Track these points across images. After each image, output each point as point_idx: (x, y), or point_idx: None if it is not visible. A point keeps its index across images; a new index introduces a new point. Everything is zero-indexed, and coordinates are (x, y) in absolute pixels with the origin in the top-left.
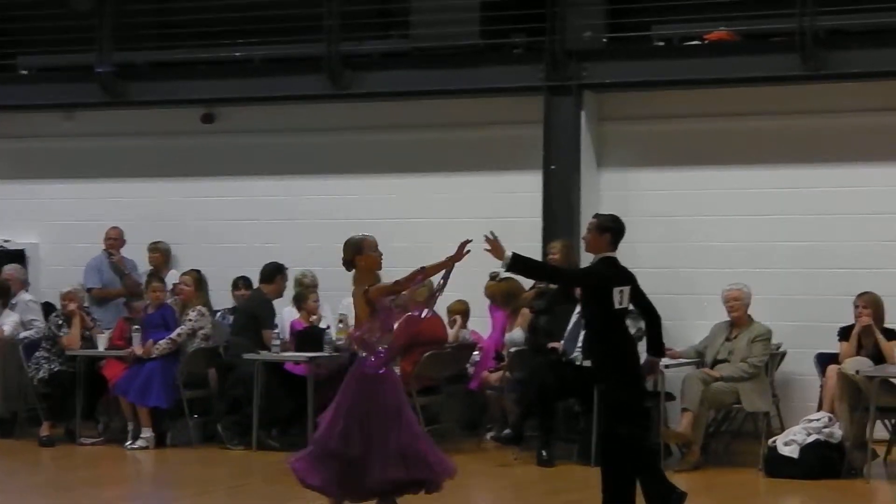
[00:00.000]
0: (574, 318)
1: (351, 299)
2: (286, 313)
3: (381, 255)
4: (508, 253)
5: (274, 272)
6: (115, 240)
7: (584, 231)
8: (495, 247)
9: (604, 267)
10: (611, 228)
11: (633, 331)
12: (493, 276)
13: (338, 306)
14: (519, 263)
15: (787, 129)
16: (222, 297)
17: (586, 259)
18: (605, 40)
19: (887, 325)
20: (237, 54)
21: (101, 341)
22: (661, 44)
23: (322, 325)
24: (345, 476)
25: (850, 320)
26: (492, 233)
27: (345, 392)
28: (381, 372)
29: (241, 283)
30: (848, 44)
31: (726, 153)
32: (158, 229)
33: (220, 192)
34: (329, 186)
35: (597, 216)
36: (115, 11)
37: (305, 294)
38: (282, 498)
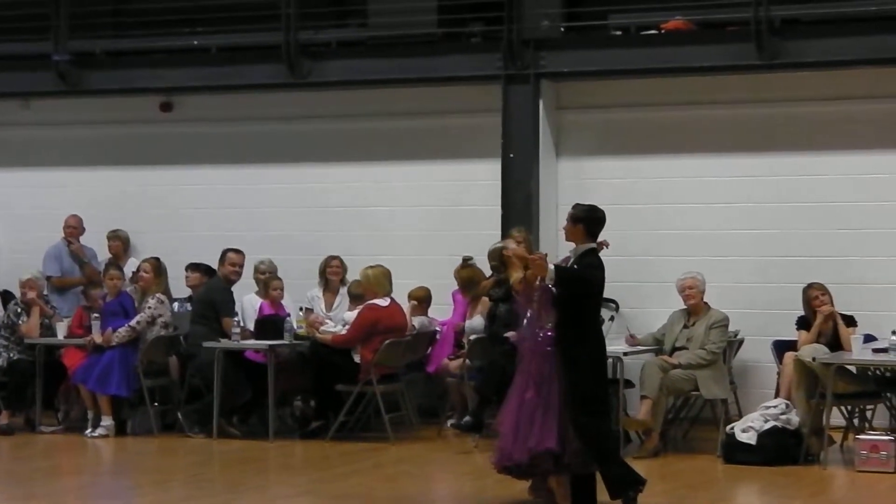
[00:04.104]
0: None
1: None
2: (247, 301)
3: None
4: (551, 267)
5: (224, 253)
6: (73, 228)
7: (542, 219)
8: (540, 265)
9: (593, 260)
10: (584, 219)
11: (605, 319)
12: (467, 260)
13: (302, 296)
14: (563, 277)
15: (743, 117)
16: (182, 285)
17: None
18: (562, 29)
19: (842, 311)
20: (195, 43)
21: (61, 329)
22: (618, 33)
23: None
24: None
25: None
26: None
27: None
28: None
29: (194, 268)
30: (803, 33)
31: (683, 142)
32: (117, 217)
33: (178, 181)
34: (287, 175)
35: (574, 206)
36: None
37: (267, 282)
38: (241, 485)
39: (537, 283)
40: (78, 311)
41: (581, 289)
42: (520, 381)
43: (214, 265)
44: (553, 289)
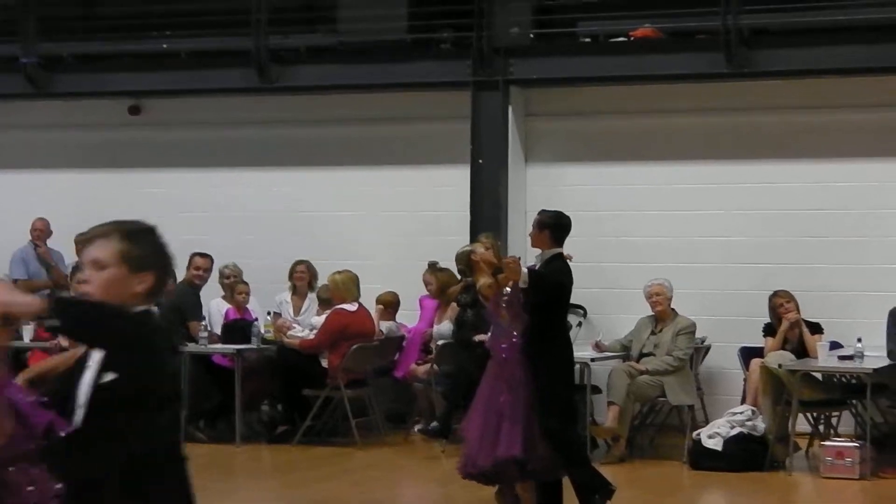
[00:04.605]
0: None
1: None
2: (213, 305)
3: None
4: (524, 270)
5: (191, 258)
6: (40, 231)
7: (511, 226)
8: (514, 269)
9: (559, 265)
10: (550, 225)
11: (573, 325)
12: (433, 265)
13: (270, 301)
14: (536, 280)
15: (711, 126)
16: None
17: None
18: (531, 36)
19: (809, 318)
20: (164, 46)
21: (27, 333)
22: (588, 40)
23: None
24: None
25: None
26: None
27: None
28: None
29: None
30: (771, 43)
31: (651, 149)
32: (85, 221)
33: (146, 185)
34: (256, 180)
35: (540, 212)
36: (40, 2)
37: (233, 286)
38: (208, 490)
39: (509, 287)
40: None
41: (553, 293)
42: (487, 387)
43: (181, 269)
44: (523, 294)
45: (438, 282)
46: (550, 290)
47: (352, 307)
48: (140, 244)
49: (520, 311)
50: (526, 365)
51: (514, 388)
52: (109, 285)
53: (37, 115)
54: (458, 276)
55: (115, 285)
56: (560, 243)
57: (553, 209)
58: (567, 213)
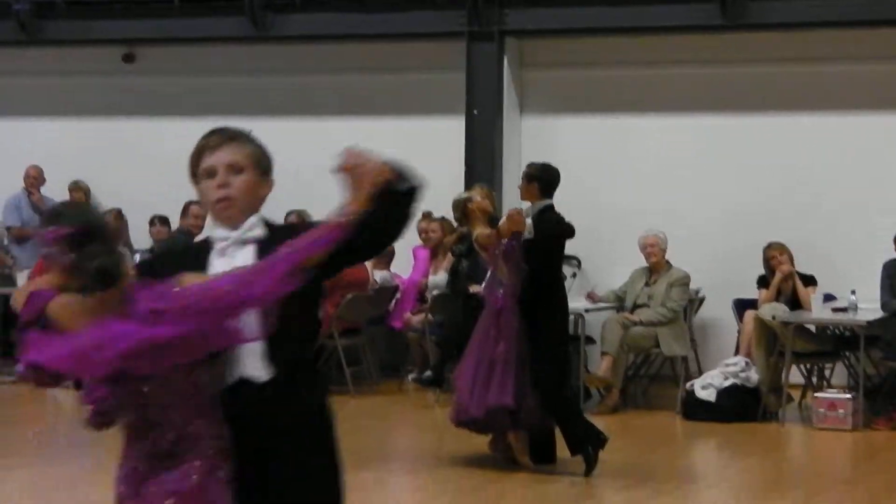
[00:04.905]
0: None
1: None
2: None
3: None
4: (528, 220)
5: (186, 206)
6: (34, 178)
7: (505, 177)
8: (517, 220)
9: (551, 216)
10: (538, 178)
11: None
12: (427, 215)
13: None
14: (544, 229)
15: (706, 77)
16: (143, 237)
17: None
18: None
19: (802, 271)
20: None
21: (21, 279)
22: None
23: None
24: None
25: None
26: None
27: None
28: None
29: (157, 220)
30: None
31: (646, 101)
32: (77, 168)
33: (140, 133)
34: (250, 128)
35: (528, 165)
36: None
37: None
38: None
39: (506, 239)
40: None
41: (561, 240)
42: (480, 337)
43: (174, 217)
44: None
45: (443, 229)
46: (559, 237)
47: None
48: (263, 147)
49: (518, 261)
50: (521, 315)
51: (508, 337)
52: (249, 188)
53: (29, 62)
54: (454, 224)
55: (253, 188)
56: (549, 195)
57: (541, 161)
58: (560, 165)
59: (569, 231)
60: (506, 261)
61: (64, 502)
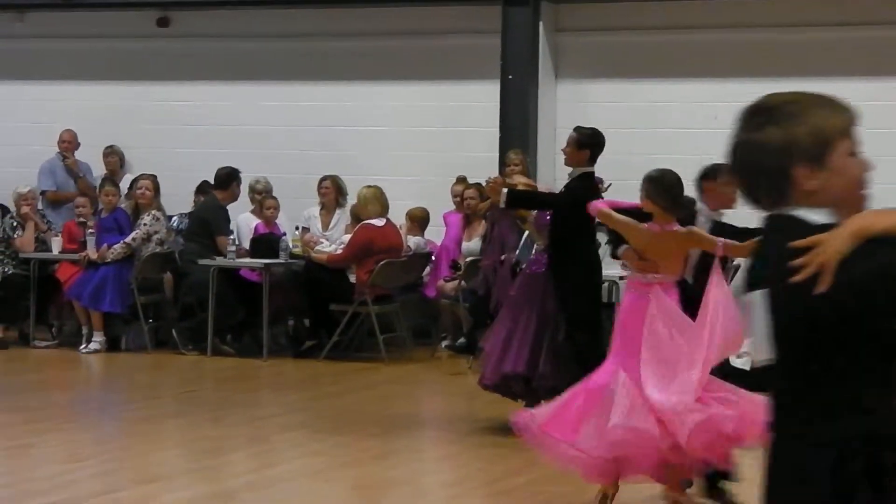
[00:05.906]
0: None
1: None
2: (242, 220)
3: None
4: (504, 190)
5: (227, 178)
6: (68, 142)
7: (540, 142)
8: (493, 188)
9: (582, 184)
10: (589, 145)
11: (602, 243)
12: (461, 180)
13: (300, 216)
14: (513, 198)
15: (742, 41)
16: (175, 202)
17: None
18: None
19: None
20: None
21: (55, 244)
22: None
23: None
24: None
25: None
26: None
27: None
28: None
29: (206, 186)
30: None
31: (681, 65)
32: (112, 132)
33: (174, 97)
34: (284, 93)
35: (577, 129)
36: None
37: (262, 201)
38: (233, 403)
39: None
40: (67, 225)
41: (532, 207)
42: (512, 303)
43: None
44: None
45: (480, 194)
46: (528, 204)
47: (379, 222)
48: None
49: (543, 229)
50: (553, 281)
51: (536, 304)
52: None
53: (64, 26)
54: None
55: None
56: (594, 162)
57: (589, 127)
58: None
59: (543, 204)
60: (537, 228)
61: (96, 467)
